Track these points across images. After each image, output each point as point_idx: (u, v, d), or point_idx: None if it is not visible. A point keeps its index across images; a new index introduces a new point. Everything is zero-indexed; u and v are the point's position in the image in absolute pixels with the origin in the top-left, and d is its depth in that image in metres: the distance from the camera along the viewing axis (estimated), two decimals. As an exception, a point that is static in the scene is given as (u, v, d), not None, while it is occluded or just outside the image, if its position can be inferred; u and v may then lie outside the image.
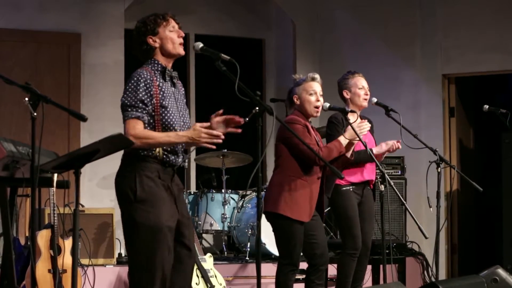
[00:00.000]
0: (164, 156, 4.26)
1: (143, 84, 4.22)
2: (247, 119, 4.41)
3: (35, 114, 3.69)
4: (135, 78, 4.24)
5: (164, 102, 4.26)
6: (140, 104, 4.20)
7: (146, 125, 4.24)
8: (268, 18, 9.96)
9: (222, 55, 4.16)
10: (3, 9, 8.26)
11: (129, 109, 4.21)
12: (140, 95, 4.20)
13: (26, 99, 3.70)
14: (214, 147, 4.26)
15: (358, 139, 5.49)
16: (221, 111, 4.33)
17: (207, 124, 4.25)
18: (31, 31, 8.36)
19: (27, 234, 7.08)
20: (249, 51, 9.86)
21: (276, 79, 9.93)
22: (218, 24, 9.63)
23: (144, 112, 4.21)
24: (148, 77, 4.24)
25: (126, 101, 4.23)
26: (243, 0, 9.76)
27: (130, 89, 4.23)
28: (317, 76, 5.58)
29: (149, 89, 4.23)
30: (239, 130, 4.33)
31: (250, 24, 9.80)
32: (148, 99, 4.22)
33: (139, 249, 4.19)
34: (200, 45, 4.24)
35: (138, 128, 4.19)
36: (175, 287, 4.29)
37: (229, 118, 4.31)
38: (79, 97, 8.48)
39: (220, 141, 4.21)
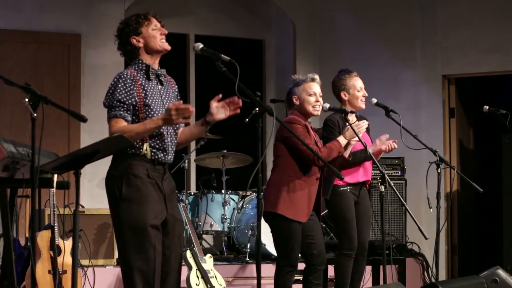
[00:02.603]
0: (152, 154, 4.26)
1: (121, 84, 4.23)
2: (247, 119, 4.41)
3: (35, 115, 3.69)
4: (114, 80, 4.27)
5: (147, 101, 4.26)
6: (118, 104, 4.21)
7: (130, 123, 4.23)
8: (268, 19, 9.95)
9: (222, 55, 4.16)
10: (3, 9, 8.26)
11: (109, 110, 4.25)
12: (117, 95, 4.21)
13: (26, 99, 3.70)
14: (188, 121, 4.19)
15: (356, 139, 5.50)
16: (220, 96, 4.29)
17: (179, 102, 4.18)
18: (31, 31, 8.35)
19: (27, 235, 7.08)
20: (249, 51, 9.86)
21: (276, 79, 9.92)
22: (218, 24, 9.63)
23: (122, 109, 4.21)
24: (129, 77, 4.25)
25: (106, 103, 4.27)
26: (243, 1, 9.76)
27: (109, 91, 4.26)
28: (316, 77, 5.57)
29: (129, 88, 4.23)
30: (238, 111, 4.26)
31: (250, 25, 9.80)
32: (128, 97, 4.22)
33: (125, 247, 4.18)
34: (200, 45, 4.24)
35: (115, 126, 4.19)
36: None
37: (228, 102, 4.26)
38: (79, 98, 8.49)
39: (190, 112, 4.10)
